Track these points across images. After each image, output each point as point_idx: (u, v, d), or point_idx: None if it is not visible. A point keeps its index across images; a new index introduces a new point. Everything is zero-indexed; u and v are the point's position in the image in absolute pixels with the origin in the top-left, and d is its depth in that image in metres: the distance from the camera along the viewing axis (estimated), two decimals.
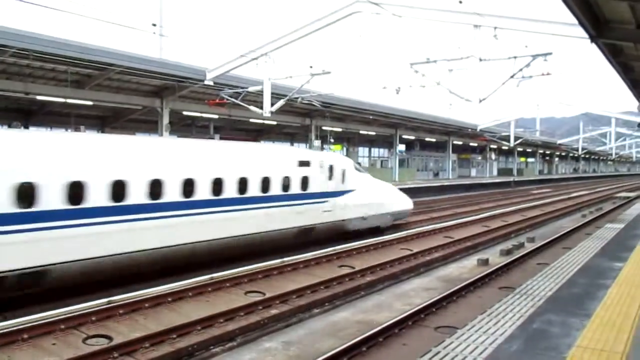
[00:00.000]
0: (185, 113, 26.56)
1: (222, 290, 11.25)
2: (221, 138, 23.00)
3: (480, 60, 17.86)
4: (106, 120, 27.81)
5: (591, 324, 6.13)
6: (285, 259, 13.66)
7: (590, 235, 14.11)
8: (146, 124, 28.39)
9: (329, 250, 15.13)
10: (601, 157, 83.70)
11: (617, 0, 10.76)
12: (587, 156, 77.63)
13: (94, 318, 8.95)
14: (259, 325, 9.14)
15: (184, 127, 30.34)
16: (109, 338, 8.30)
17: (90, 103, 22.44)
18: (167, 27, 28.99)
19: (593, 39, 12.69)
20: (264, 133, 37.23)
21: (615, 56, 15.02)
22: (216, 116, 27.87)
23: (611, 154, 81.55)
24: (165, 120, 24.44)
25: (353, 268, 13.41)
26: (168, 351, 7.84)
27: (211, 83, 22.11)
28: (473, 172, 63.80)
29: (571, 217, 28.24)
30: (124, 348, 7.80)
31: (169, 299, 10.25)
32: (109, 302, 9.48)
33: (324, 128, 34.79)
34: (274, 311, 9.85)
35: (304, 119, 32.92)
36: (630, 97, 22.06)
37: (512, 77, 18.37)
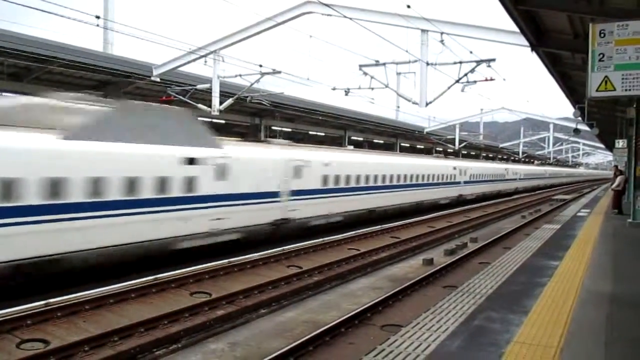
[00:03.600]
0: None
1: (167, 292, 11.03)
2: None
3: (428, 64, 18.27)
4: None
5: (528, 320, 6.36)
6: (233, 259, 13.52)
7: (529, 236, 14.65)
8: None
9: (277, 250, 15.09)
10: (540, 161, 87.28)
11: (557, 11, 11.26)
12: (527, 160, 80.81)
13: (29, 321, 8.57)
14: (204, 327, 9.00)
15: None
16: (46, 342, 7.96)
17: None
18: (114, 20, 28.05)
19: (534, 47, 13.24)
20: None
21: (554, 64, 15.71)
22: None
23: (549, 158, 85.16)
24: None
25: (301, 268, 13.42)
26: (109, 354, 7.59)
27: (158, 79, 21.60)
28: None
29: (511, 218, 29.30)
30: (62, 352, 7.50)
31: (111, 301, 9.96)
32: (46, 305, 9.11)
33: (273, 128, 34.67)
34: (220, 312, 9.73)
35: (254, 119, 32.67)
36: (568, 104, 23.12)
37: (457, 81, 18.89)
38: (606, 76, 4.94)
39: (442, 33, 16.71)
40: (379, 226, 21.16)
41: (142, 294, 10.61)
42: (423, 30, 17.39)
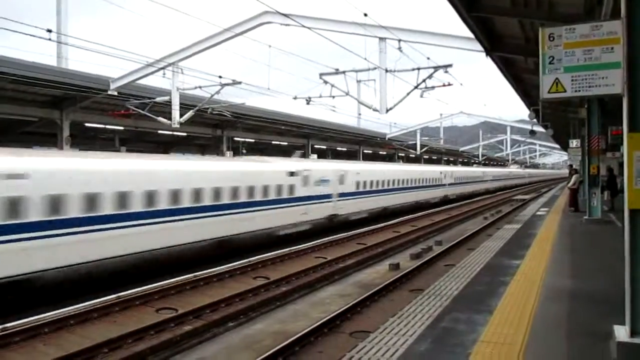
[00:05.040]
0: (87, 125, 25.20)
1: (131, 309, 10.78)
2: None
3: (387, 71, 18.48)
4: None
5: (493, 319, 6.48)
6: (198, 273, 13.33)
7: (492, 236, 14.95)
8: (44, 136, 26.61)
9: (244, 262, 14.96)
10: (499, 163, 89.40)
11: (508, 17, 11.61)
12: (487, 162, 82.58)
13: None
14: (171, 344, 8.82)
15: (86, 139, 28.80)
16: None
17: None
18: (67, 34, 27.40)
19: (488, 52, 13.58)
20: (173, 145, 36.22)
21: (508, 68, 16.16)
22: (121, 128, 26.72)
23: (508, 160, 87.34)
24: (66, 132, 23.07)
25: (268, 279, 13.33)
26: None
27: (115, 93, 21.16)
28: None
29: (474, 219, 29.87)
30: None
31: (72, 322, 9.66)
32: (3, 329, 8.77)
33: (236, 139, 34.42)
34: (187, 327, 9.56)
35: (215, 130, 32.35)
36: (524, 107, 23.81)
37: (415, 87, 19.15)
38: (557, 78, 5.09)
39: (399, 40, 16.94)
40: (345, 233, 21.24)
41: (105, 313, 10.34)
42: (381, 38, 17.58)
